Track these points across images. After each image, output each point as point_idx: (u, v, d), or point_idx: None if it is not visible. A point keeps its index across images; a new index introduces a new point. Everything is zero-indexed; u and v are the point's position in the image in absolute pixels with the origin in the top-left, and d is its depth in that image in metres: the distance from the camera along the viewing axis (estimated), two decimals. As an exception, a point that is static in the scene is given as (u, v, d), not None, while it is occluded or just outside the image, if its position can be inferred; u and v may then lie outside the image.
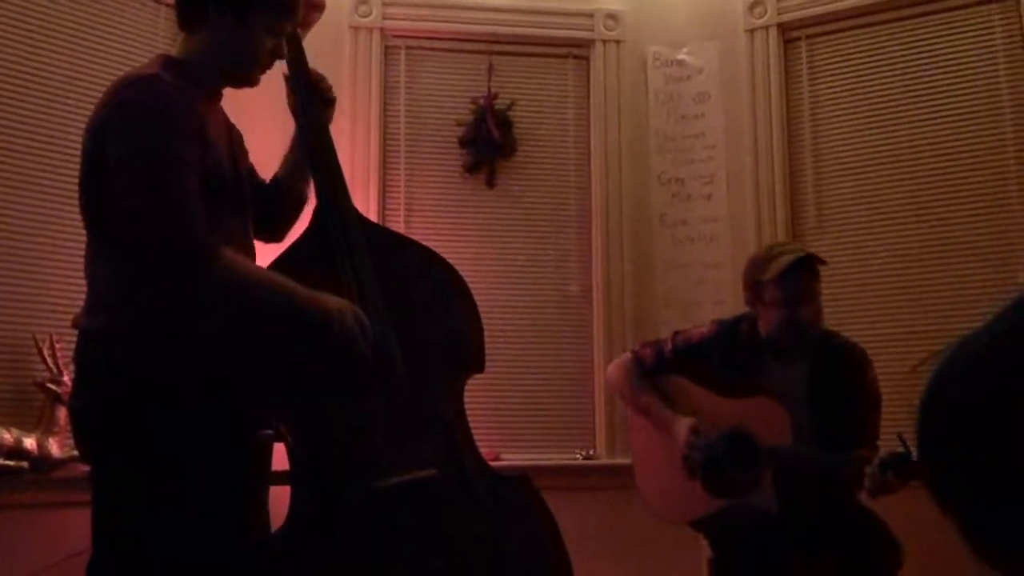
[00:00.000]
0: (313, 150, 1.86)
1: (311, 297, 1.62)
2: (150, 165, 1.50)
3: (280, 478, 1.79)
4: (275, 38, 1.71)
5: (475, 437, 1.91)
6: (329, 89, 1.92)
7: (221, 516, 1.57)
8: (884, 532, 2.20)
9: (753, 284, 2.34)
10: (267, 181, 1.89)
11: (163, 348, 1.55)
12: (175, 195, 1.49)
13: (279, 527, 1.66)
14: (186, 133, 1.55)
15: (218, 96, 1.74)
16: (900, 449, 2.02)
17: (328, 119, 1.91)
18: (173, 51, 1.73)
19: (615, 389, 2.67)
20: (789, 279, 2.25)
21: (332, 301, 1.64)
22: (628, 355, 2.57)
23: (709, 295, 3.46)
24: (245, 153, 1.84)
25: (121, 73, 2.92)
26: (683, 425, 2.30)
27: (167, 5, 3.15)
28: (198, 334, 1.57)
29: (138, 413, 1.53)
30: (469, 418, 1.91)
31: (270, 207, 1.83)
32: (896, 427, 2.13)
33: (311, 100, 1.87)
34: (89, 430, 1.58)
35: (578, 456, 3.39)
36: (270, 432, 1.78)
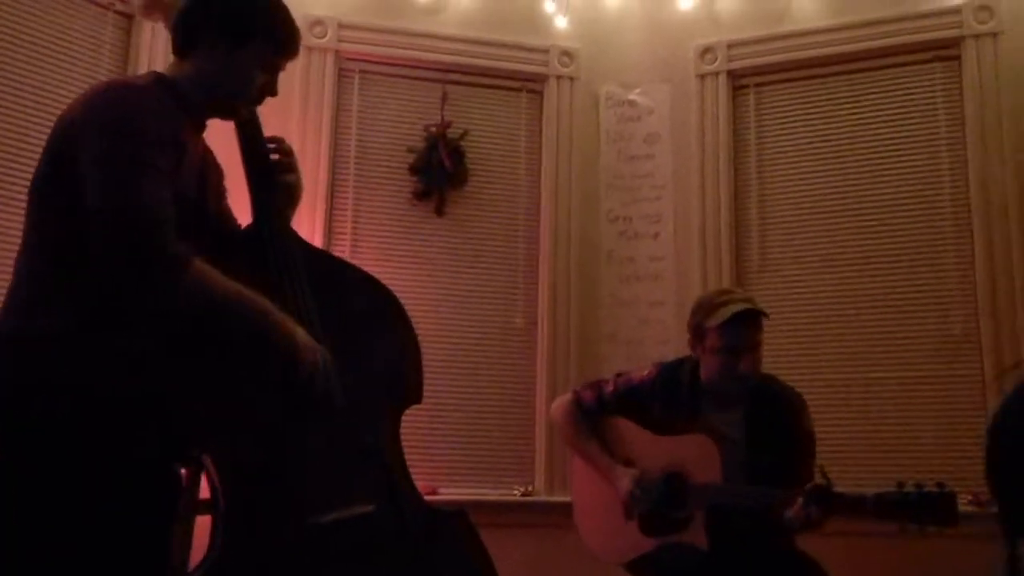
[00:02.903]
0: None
1: (284, 324, 1.57)
2: (127, 168, 1.45)
3: (205, 507, 1.70)
4: (267, 74, 1.69)
5: (413, 470, 1.86)
6: (285, 161, 1.82)
7: (141, 552, 1.48)
8: (817, 573, 2.21)
9: (696, 328, 2.37)
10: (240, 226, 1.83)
11: (87, 362, 1.47)
12: (150, 200, 1.44)
13: (202, 560, 1.58)
14: (167, 145, 1.52)
15: (202, 126, 1.71)
16: (823, 484, 2.08)
17: (286, 199, 1.82)
18: (166, 71, 1.69)
19: (557, 429, 2.71)
20: (732, 329, 2.28)
21: (301, 334, 1.59)
22: (569, 396, 2.59)
23: (653, 334, 3.47)
24: (221, 193, 1.79)
25: (65, 77, 2.92)
26: (625, 477, 2.35)
27: (115, 11, 3.08)
28: (130, 353, 1.49)
29: (50, 433, 1.43)
30: (408, 450, 1.86)
31: None
32: (835, 470, 2.16)
33: (261, 165, 1.80)
34: None
35: (516, 492, 3.35)
36: (193, 464, 1.70)
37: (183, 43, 1.67)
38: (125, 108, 1.51)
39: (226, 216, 1.81)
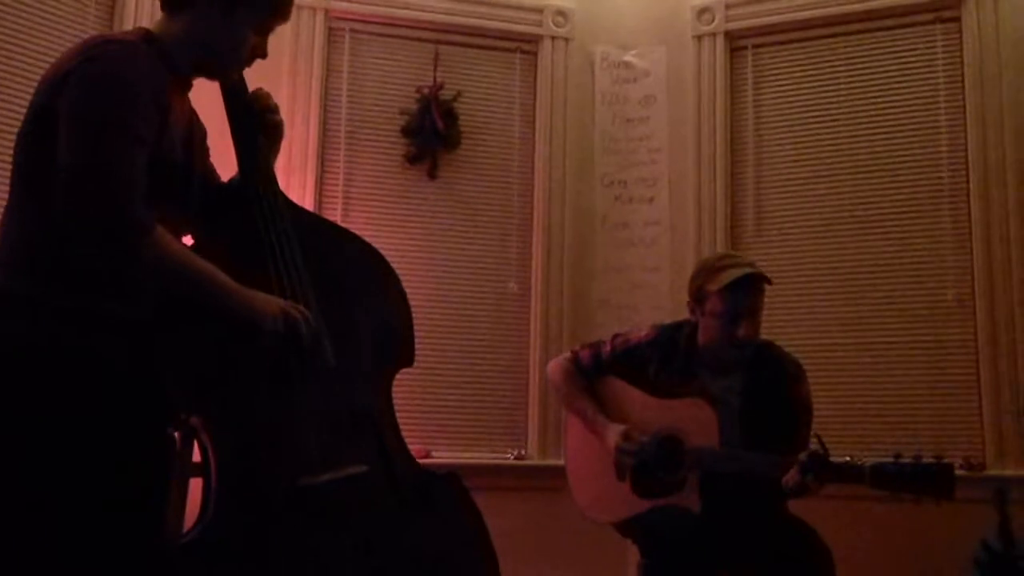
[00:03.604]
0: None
1: (243, 296, 1.54)
2: (102, 127, 1.42)
3: (198, 470, 1.70)
4: (260, 36, 1.66)
5: (407, 433, 1.85)
6: (269, 111, 1.80)
7: (135, 516, 1.46)
8: (813, 540, 2.22)
9: (697, 291, 2.34)
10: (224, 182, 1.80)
11: (74, 325, 1.45)
12: (119, 163, 1.40)
13: (195, 523, 1.58)
14: (149, 109, 1.48)
15: (188, 84, 1.67)
16: (819, 451, 2.08)
17: (269, 147, 1.80)
18: (154, 28, 1.64)
19: (553, 387, 2.69)
20: (733, 294, 2.25)
21: (263, 303, 1.56)
22: (567, 355, 2.59)
23: (646, 299, 3.46)
24: (205, 152, 1.77)
25: (51, 38, 2.86)
26: (614, 431, 2.35)
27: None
28: (117, 315, 1.47)
29: (40, 397, 1.41)
30: (402, 413, 1.86)
31: None
32: (830, 433, 2.17)
33: (246, 121, 1.76)
34: None
35: (509, 456, 3.36)
36: (184, 427, 1.68)
37: (174, 1, 1.63)
38: (110, 66, 1.47)
39: (211, 174, 1.79)
